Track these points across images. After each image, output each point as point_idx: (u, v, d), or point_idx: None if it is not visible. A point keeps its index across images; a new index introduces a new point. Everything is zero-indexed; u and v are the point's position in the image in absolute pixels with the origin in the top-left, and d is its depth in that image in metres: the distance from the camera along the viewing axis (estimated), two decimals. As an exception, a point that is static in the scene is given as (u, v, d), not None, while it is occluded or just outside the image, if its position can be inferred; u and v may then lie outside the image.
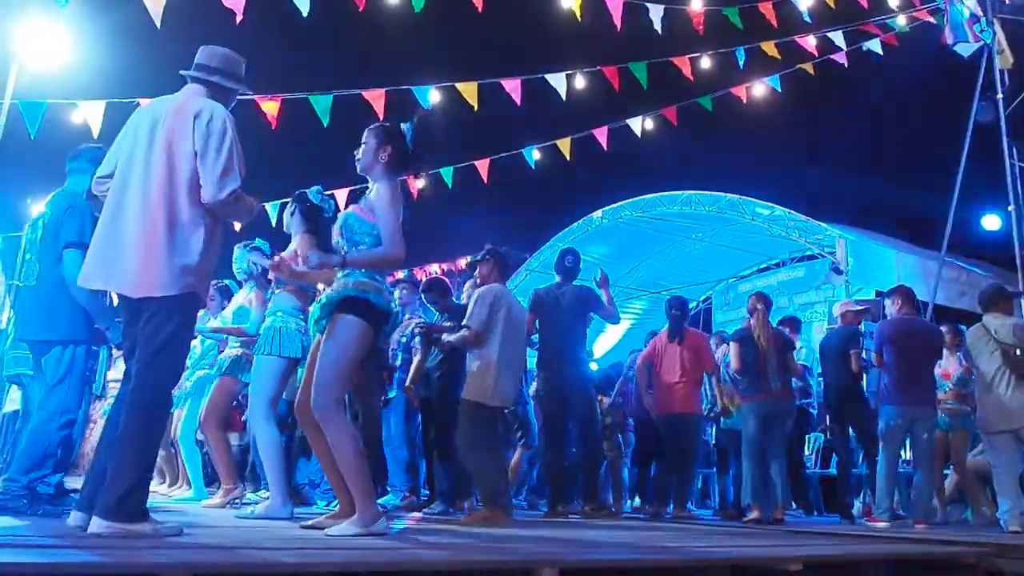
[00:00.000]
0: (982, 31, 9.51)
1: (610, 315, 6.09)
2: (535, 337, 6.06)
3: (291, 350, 4.46)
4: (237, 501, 5.32)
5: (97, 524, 2.68)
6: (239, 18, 6.31)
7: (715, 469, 8.11)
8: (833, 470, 7.31)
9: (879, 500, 5.70)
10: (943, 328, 6.47)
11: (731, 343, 6.10)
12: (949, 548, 3.53)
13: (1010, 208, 9.97)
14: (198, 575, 2.08)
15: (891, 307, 6.04)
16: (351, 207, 3.75)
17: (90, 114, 7.43)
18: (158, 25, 5.98)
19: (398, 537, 3.43)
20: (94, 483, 2.89)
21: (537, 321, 5.95)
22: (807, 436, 7.46)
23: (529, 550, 2.85)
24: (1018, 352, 5.18)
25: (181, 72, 3.18)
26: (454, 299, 6.17)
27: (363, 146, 3.65)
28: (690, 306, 7.27)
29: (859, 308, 6.78)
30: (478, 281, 5.45)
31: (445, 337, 5.30)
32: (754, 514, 5.66)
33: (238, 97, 3.29)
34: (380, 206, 3.47)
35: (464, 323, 5.05)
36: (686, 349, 6.42)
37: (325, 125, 7.70)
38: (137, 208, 2.90)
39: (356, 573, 2.28)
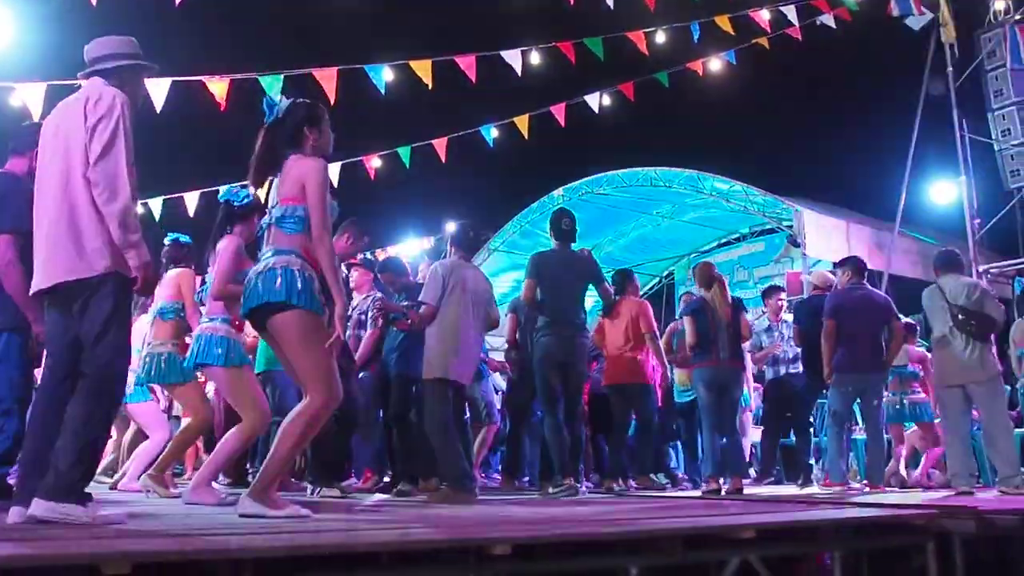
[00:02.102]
0: (927, 3, 9.63)
1: (608, 295, 5.92)
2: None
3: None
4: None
5: (37, 505, 2.69)
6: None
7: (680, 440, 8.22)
8: (792, 439, 7.42)
9: (831, 465, 5.82)
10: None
11: (684, 317, 6.10)
12: (898, 511, 3.59)
13: (961, 179, 10.18)
14: (137, 564, 2.04)
15: (841, 277, 6.21)
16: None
17: (29, 97, 7.20)
18: (93, 2, 5.79)
19: (351, 517, 3.41)
20: (26, 474, 2.90)
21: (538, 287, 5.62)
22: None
23: (482, 528, 2.84)
24: (959, 316, 5.33)
25: (78, 75, 3.18)
26: (411, 279, 6.12)
27: None
28: (635, 277, 7.20)
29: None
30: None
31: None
32: (712, 484, 5.72)
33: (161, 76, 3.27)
34: (311, 184, 3.42)
35: (419, 300, 5.01)
36: (625, 319, 6.44)
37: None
38: (49, 207, 2.94)
39: (305, 555, 2.26)
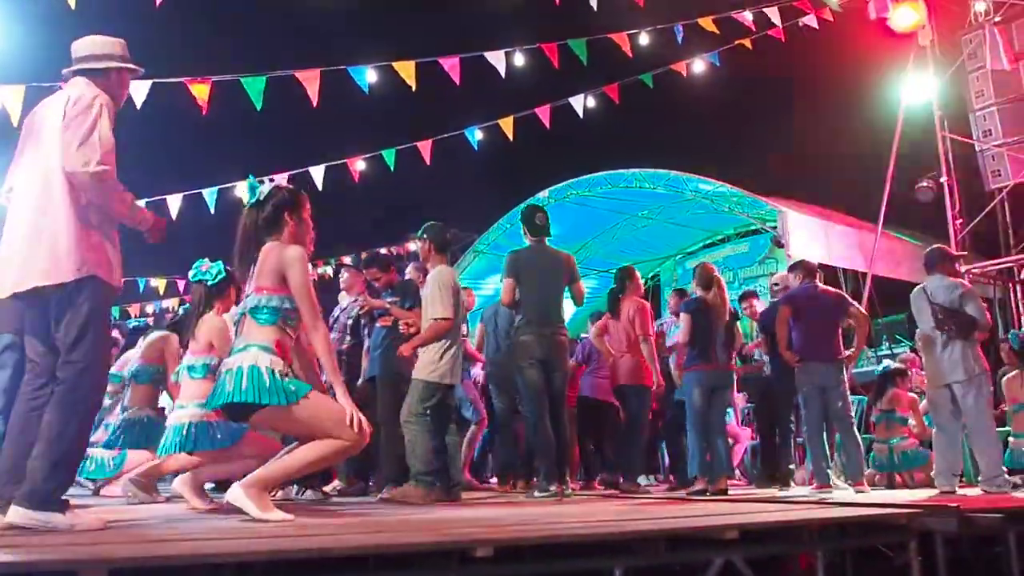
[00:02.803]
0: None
1: (581, 296, 5.78)
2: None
3: None
4: None
5: (14, 513, 2.69)
6: (158, 1, 6.09)
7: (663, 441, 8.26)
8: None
9: (815, 469, 5.85)
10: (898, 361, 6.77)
11: (682, 314, 6.11)
12: (881, 511, 3.61)
13: (943, 180, 10.27)
14: (115, 569, 2.01)
15: (794, 280, 6.31)
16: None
17: (8, 99, 7.12)
18: (72, 5, 5.73)
19: (333, 521, 3.39)
20: (5, 482, 2.85)
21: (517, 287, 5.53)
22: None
23: (464, 529, 2.82)
24: (939, 316, 5.38)
25: (62, 73, 3.15)
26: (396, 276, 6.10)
27: None
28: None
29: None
30: (421, 260, 5.45)
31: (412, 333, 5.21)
32: (699, 485, 5.73)
33: (148, 78, 3.25)
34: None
35: (433, 316, 5.00)
36: (624, 319, 6.47)
37: (258, 108, 7.51)
38: (25, 206, 2.91)
39: (288, 559, 2.24)
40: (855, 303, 6.28)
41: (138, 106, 7.04)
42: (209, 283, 4.58)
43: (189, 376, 4.50)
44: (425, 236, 5.33)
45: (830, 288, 6.35)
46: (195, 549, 2.26)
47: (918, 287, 5.72)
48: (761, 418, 7.48)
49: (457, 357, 5.07)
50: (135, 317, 12.50)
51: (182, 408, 4.44)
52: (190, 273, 4.71)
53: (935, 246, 6.04)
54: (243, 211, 3.60)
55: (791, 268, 6.51)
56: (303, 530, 2.83)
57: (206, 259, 4.69)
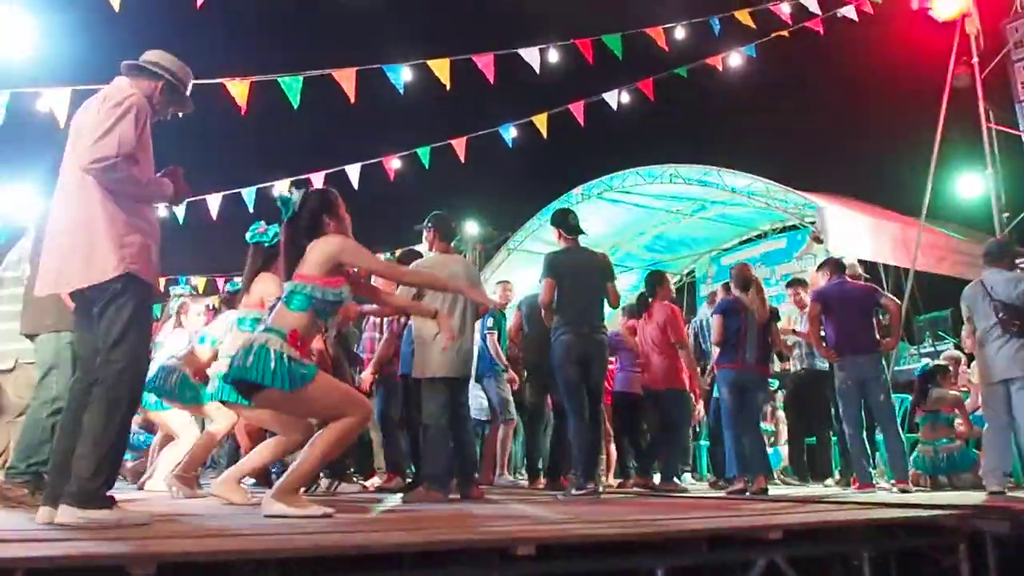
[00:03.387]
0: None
1: (616, 296, 5.75)
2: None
3: None
4: None
5: (62, 512, 2.74)
6: (199, 1, 6.18)
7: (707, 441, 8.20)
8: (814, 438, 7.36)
9: (856, 466, 5.75)
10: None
11: (714, 315, 6.08)
12: (929, 512, 3.53)
13: (988, 172, 10.02)
14: (164, 563, 2.04)
15: (822, 279, 6.28)
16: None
17: (55, 102, 7.28)
18: (116, 8, 5.84)
19: (374, 517, 3.41)
20: (56, 477, 2.91)
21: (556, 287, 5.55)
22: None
23: (505, 527, 2.82)
24: (1000, 313, 5.21)
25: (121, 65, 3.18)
26: None
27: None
28: (670, 280, 7.17)
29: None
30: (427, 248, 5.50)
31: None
32: (738, 485, 5.68)
33: (190, 83, 3.30)
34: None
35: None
36: (655, 322, 6.51)
37: (296, 107, 7.59)
38: (64, 207, 2.95)
39: (328, 555, 2.25)
40: (885, 292, 6.20)
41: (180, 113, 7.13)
42: (266, 244, 4.68)
43: (238, 328, 4.61)
44: (430, 225, 5.36)
45: (859, 282, 6.29)
46: (240, 545, 2.28)
47: (974, 281, 5.56)
48: (794, 416, 7.41)
49: (459, 351, 5.00)
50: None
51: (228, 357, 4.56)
52: (247, 235, 4.79)
53: (995, 238, 5.89)
54: (281, 228, 3.65)
55: (819, 267, 6.51)
56: (344, 527, 2.85)
57: (263, 222, 4.78)
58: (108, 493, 2.84)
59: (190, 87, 3.31)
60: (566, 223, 5.78)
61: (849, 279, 6.20)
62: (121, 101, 2.93)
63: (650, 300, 6.68)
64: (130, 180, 2.91)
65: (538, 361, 6.47)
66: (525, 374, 7.08)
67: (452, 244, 5.44)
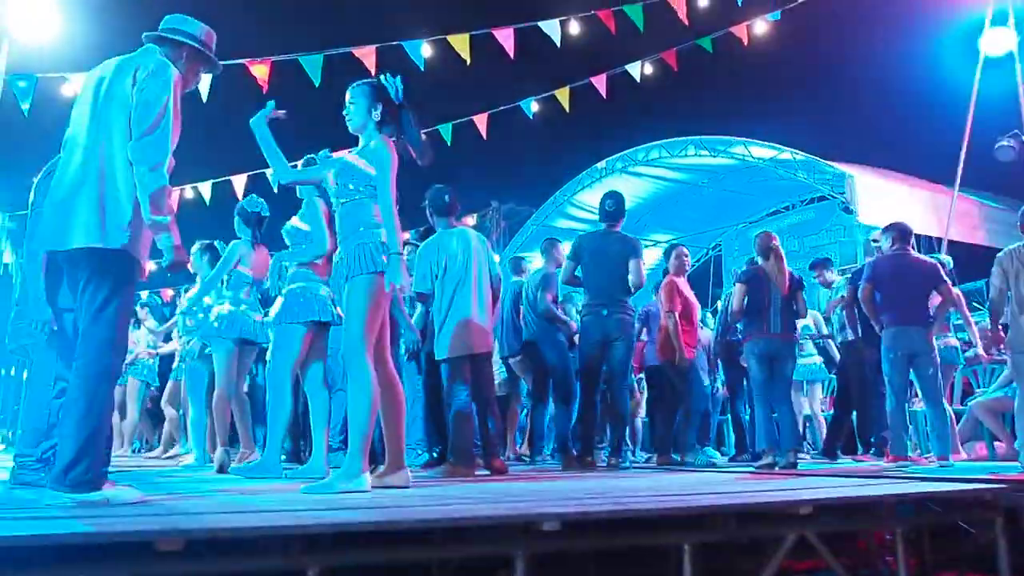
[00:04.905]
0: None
1: (639, 279, 5.78)
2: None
3: (314, 314, 4.60)
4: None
5: (49, 497, 2.67)
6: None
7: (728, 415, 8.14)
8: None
9: (893, 438, 5.65)
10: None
11: (736, 284, 5.98)
12: (965, 486, 3.45)
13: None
14: (192, 540, 2.05)
15: (886, 244, 5.98)
16: (347, 156, 3.78)
17: (80, 87, 7.30)
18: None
19: (400, 493, 3.41)
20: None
21: (579, 268, 5.89)
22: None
23: (531, 503, 2.80)
24: None
25: (143, 36, 3.13)
26: None
27: (352, 106, 3.68)
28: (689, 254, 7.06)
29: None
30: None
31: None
32: (766, 459, 5.62)
33: (211, 60, 3.24)
34: (380, 165, 3.57)
35: (416, 291, 5.19)
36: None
37: (316, 85, 7.58)
38: (76, 164, 2.87)
39: (354, 532, 2.25)
40: (948, 283, 5.91)
41: (204, 98, 7.17)
42: None
43: None
44: (424, 202, 5.32)
45: (924, 258, 6.05)
46: (264, 521, 2.29)
47: (1008, 248, 5.39)
48: (838, 387, 7.29)
49: (449, 330, 4.99)
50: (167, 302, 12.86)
51: None
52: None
53: None
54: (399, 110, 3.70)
55: (885, 229, 6.12)
56: (370, 503, 2.85)
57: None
58: (99, 471, 2.73)
59: (214, 47, 3.25)
60: (601, 207, 6.05)
61: (911, 252, 5.94)
62: (165, 81, 2.88)
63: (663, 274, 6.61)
64: (167, 190, 2.87)
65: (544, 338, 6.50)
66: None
67: (463, 219, 5.43)
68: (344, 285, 3.56)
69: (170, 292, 14.18)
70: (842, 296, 6.83)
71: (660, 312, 6.61)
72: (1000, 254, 5.35)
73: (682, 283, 6.51)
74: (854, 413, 6.84)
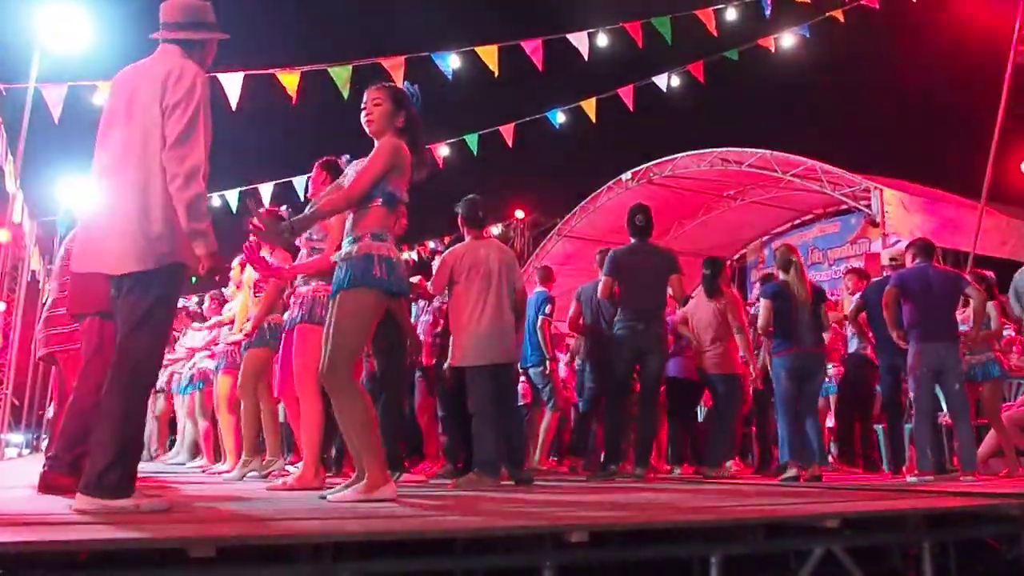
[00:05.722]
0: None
1: (681, 287, 5.94)
2: None
3: None
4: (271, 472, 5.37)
5: (80, 500, 2.66)
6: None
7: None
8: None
9: (917, 451, 5.60)
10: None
11: (762, 300, 5.98)
12: (991, 500, 3.42)
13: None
14: (223, 546, 2.09)
15: (908, 260, 6.03)
16: (356, 161, 3.82)
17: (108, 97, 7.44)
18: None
19: (427, 504, 3.43)
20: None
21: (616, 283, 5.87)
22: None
23: (558, 514, 2.82)
24: None
25: (151, 36, 3.02)
26: None
27: (377, 107, 3.56)
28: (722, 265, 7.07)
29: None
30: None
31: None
32: (792, 471, 5.58)
33: (213, 39, 3.07)
34: (374, 153, 3.47)
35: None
36: (716, 309, 6.47)
37: (346, 97, 7.65)
38: (113, 182, 2.83)
39: (380, 540, 2.28)
40: (973, 282, 5.93)
41: (232, 107, 7.27)
42: None
43: None
44: (457, 210, 5.35)
45: (947, 268, 6.07)
46: (293, 529, 2.32)
47: None
48: (843, 399, 7.27)
49: (471, 338, 4.99)
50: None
51: None
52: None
53: None
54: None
55: (908, 246, 6.21)
56: (397, 513, 2.88)
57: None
58: (131, 479, 2.74)
59: (212, 16, 3.09)
60: (631, 222, 6.07)
61: (934, 265, 5.95)
62: (193, 84, 2.81)
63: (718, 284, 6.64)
64: (204, 197, 2.84)
65: (596, 349, 6.56)
66: (579, 362, 7.08)
67: (487, 229, 5.48)
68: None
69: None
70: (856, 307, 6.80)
71: (681, 330, 6.69)
72: (1017, 273, 5.33)
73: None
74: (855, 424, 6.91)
